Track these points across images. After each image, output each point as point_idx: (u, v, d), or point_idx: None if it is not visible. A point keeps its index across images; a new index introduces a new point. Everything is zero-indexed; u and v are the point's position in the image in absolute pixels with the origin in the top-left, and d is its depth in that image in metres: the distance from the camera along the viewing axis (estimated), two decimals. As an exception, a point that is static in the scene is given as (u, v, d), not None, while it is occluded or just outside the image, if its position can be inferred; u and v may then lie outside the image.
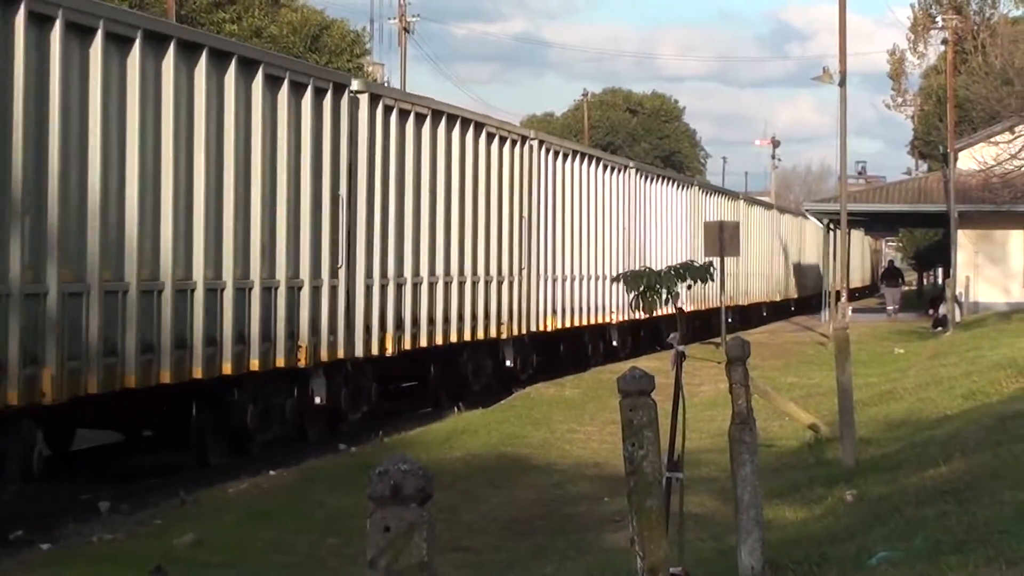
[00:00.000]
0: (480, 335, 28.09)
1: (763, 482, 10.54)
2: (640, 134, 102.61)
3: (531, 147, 31.78)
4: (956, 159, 52.57)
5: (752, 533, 9.74)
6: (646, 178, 41.69)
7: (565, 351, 34.90)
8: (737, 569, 9.75)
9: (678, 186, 45.68)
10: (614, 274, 35.75)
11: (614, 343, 38.52)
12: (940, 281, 76.79)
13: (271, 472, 18.73)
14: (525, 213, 31.02)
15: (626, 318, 37.83)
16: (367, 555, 4.23)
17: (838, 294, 49.96)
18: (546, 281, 32.45)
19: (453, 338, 26.71)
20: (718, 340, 39.58)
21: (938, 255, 76.59)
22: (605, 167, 37.70)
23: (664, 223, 43.08)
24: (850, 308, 53.35)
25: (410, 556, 4.20)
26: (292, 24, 52.43)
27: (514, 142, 30.59)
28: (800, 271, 71.79)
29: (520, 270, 30.65)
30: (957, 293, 49.79)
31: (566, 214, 34.13)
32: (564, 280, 33.83)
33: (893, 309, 62.29)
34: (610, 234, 37.71)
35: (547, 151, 32.95)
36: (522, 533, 14.90)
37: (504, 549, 14.13)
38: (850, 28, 48.62)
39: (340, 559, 13.61)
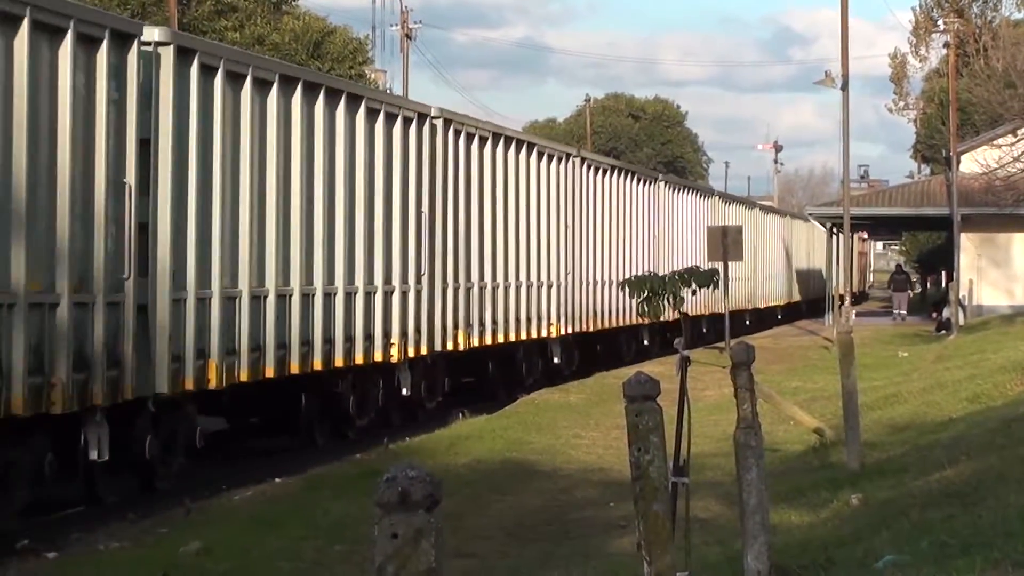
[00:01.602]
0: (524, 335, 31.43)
1: (769, 486, 10.53)
2: (643, 139, 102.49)
3: (574, 163, 35.61)
4: (959, 162, 52.53)
5: (758, 537, 9.73)
6: (673, 189, 45.24)
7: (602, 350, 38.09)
8: (743, 573, 9.74)
9: (701, 196, 48.93)
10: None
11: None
12: (944, 285, 76.66)
13: (276, 480, 18.74)
14: (570, 224, 34.94)
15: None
16: (375, 562, 4.23)
17: (841, 298, 49.94)
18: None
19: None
20: (722, 345, 39.56)
21: (941, 259, 76.48)
22: (636, 179, 41.38)
23: (687, 233, 46.12)
24: (854, 312, 53.29)
25: (418, 563, 4.20)
26: (294, 32, 52.33)
27: (560, 159, 34.58)
28: (802, 275, 71.71)
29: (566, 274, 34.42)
30: (960, 296, 49.76)
31: (601, 225, 37.70)
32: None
33: (901, 314, 62.26)
34: (638, 242, 40.94)
35: (588, 167, 36.86)
36: (528, 539, 14.90)
37: (510, 555, 14.12)
38: (852, 32, 48.62)
39: (347, 566, 13.60)
